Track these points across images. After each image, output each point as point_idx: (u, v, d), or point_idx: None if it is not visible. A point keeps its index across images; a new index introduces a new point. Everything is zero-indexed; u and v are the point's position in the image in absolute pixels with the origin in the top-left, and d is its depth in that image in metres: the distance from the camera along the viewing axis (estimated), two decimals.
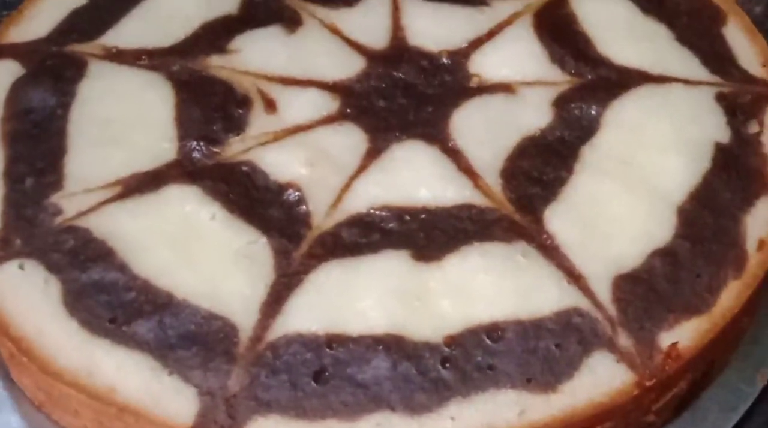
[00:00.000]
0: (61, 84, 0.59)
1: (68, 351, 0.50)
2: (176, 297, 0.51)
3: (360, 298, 0.51)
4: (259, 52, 0.60)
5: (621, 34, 0.61)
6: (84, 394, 0.49)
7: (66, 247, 0.53)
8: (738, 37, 0.61)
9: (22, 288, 0.52)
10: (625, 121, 0.57)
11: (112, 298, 0.51)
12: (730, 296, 0.51)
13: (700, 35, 0.61)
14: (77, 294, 0.51)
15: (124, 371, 0.49)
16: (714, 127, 0.57)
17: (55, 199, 0.55)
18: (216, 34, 0.62)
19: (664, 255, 0.52)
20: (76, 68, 0.60)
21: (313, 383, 0.49)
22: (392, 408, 0.48)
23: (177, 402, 0.49)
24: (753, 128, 0.57)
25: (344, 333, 0.50)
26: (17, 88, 0.59)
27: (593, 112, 0.57)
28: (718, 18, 0.62)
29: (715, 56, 0.60)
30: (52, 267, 0.52)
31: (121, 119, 0.58)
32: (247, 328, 0.50)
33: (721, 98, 0.58)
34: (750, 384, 0.55)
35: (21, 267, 0.52)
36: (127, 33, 0.62)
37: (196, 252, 0.53)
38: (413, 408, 0.48)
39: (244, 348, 0.50)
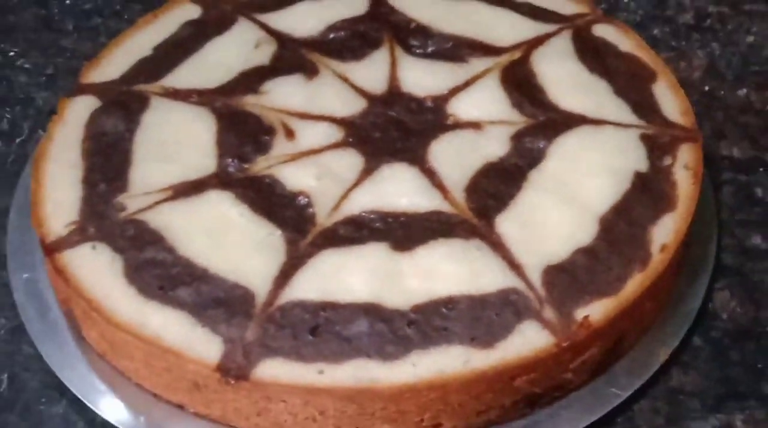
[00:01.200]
0: (129, 114, 0.70)
1: (127, 309, 0.61)
2: (210, 272, 0.62)
3: (348, 276, 0.61)
4: (283, 94, 0.71)
5: (569, 86, 0.71)
6: (138, 341, 0.60)
7: (128, 234, 0.64)
8: (664, 92, 0.72)
9: (94, 263, 0.63)
10: (566, 153, 0.68)
11: (162, 272, 0.62)
12: (635, 284, 0.62)
13: (633, 89, 0.72)
14: (135, 268, 0.62)
15: (169, 324, 0.60)
16: (636, 160, 0.67)
17: (121, 199, 0.65)
18: (251, 79, 0.72)
19: (586, 252, 0.63)
20: (141, 103, 0.71)
21: (309, 336, 0.59)
22: (368, 356, 0.59)
23: (207, 347, 0.60)
24: (667, 161, 0.68)
25: (335, 301, 0.61)
26: (95, 116, 0.70)
27: (542, 145, 0.68)
28: (649, 77, 0.73)
29: (644, 106, 0.71)
30: (117, 249, 0.63)
31: (174, 142, 0.68)
32: (262, 295, 0.61)
33: (644, 138, 0.69)
34: (654, 357, 0.66)
35: (93, 248, 0.63)
36: (182, 77, 0.72)
37: (227, 240, 0.63)
38: (384, 356, 0.59)
39: (259, 309, 0.61)
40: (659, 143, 0.70)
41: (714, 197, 0.75)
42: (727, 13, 0.88)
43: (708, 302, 0.70)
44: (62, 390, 0.65)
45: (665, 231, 0.66)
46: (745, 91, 0.82)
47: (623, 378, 0.65)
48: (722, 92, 0.82)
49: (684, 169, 0.69)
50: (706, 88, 0.83)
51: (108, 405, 0.65)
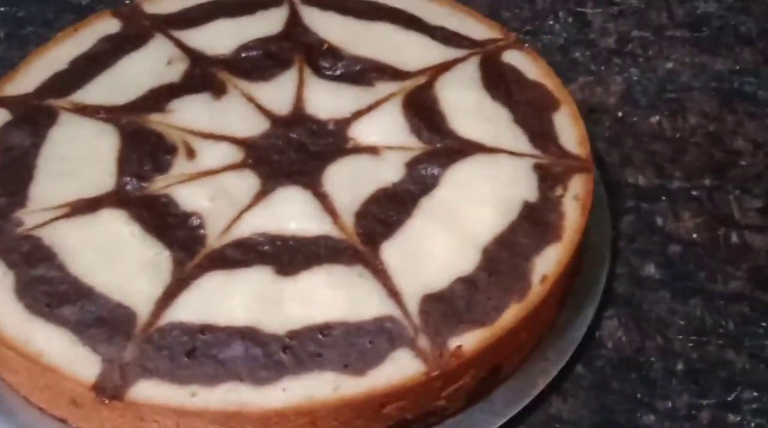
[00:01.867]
0: (36, 129, 0.71)
1: (13, 324, 0.62)
2: (95, 291, 0.63)
3: (230, 299, 0.63)
4: (189, 112, 0.72)
5: (469, 114, 0.72)
6: (21, 356, 0.61)
7: (22, 250, 0.65)
8: (564, 121, 0.73)
9: None
10: (459, 180, 0.69)
11: (50, 289, 0.63)
12: (511, 315, 0.63)
13: (533, 118, 0.73)
14: (25, 284, 0.64)
15: (51, 341, 0.61)
16: (526, 189, 0.68)
17: (19, 214, 0.67)
18: (159, 97, 0.73)
19: (465, 281, 0.64)
20: (50, 117, 0.72)
21: (185, 358, 0.61)
22: (241, 380, 0.60)
23: (86, 365, 0.61)
24: (558, 191, 0.69)
25: (214, 323, 0.62)
26: (4, 130, 0.72)
27: (436, 172, 0.69)
28: (552, 105, 0.74)
29: (541, 135, 0.72)
30: (9, 264, 0.64)
31: (76, 158, 0.70)
32: (143, 316, 0.62)
33: (537, 167, 0.69)
34: (532, 386, 0.67)
35: None
36: (93, 93, 0.74)
37: (116, 259, 0.65)
38: (256, 381, 0.60)
39: (139, 330, 0.62)
40: (552, 173, 0.71)
41: (612, 225, 0.76)
42: (650, 38, 0.89)
43: (595, 330, 0.71)
44: None
45: (548, 262, 0.67)
46: (657, 118, 0.83)
47: (500, 405, 0.66)
48: (635, 118, 0.83)
49: (574, 200, 0.70)
50: (620, 113, 0.83)
51: None
